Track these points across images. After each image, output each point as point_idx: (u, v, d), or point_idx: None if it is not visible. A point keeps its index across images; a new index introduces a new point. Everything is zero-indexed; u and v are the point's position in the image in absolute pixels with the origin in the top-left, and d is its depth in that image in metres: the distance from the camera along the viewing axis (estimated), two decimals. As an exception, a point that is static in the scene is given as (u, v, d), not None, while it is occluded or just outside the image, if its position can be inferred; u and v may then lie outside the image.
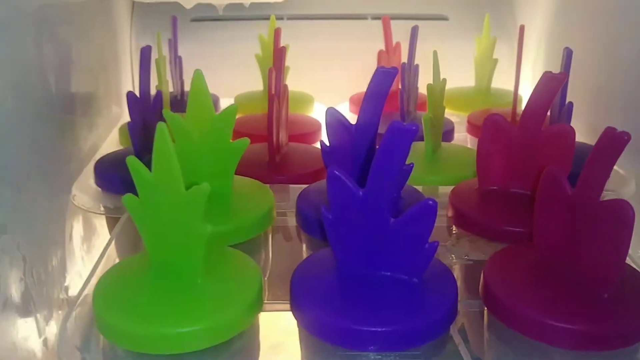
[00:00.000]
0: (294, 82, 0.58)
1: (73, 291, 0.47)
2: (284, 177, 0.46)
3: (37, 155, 0.43)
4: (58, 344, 0.31)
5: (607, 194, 0.45)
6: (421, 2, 0.76)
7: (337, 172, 0.31)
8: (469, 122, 0.58)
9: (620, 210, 0.29)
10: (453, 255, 0.38)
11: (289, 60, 0.55)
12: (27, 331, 0.38)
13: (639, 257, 0.37)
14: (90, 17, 0.60)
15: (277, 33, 0.52)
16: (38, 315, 0.40)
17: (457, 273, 0.38)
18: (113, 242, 0.41)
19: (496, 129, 0.40)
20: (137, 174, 0.31)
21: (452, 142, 0.57)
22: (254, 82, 0.68)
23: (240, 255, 0.34)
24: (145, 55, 0.47)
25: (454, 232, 0.40)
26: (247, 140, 0.39)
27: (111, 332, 0.30)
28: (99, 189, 0.47)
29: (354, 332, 0.29)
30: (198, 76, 0.39)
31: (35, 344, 0.39)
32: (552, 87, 0.38)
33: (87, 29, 0.58)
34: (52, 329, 0.42)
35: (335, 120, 0.39)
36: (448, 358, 0.31)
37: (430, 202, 0.30)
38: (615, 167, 0.47)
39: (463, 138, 0.58)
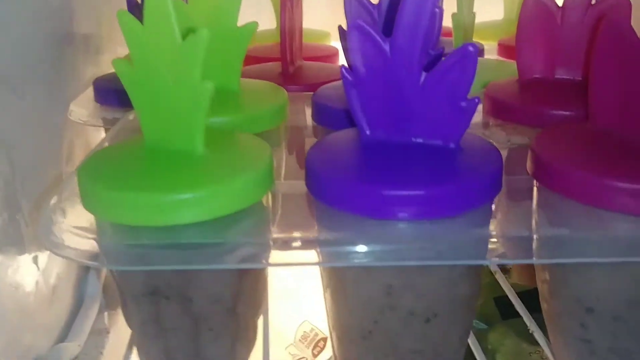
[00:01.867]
0: (309, 22, 0.55)
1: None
2: (298, 86, 0.42)
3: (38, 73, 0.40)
4: (40, 231, 0.26)
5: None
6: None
7: (360, 23, 0.27)
8: (500, 45, 0.54)
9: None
10: (492, 141, 0.33)
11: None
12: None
13: None
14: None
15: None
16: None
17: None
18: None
19: (538, 10, 0.35)
20: (127, 28, 0.27)
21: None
22: (268, 24, 0.64)
23: (248, 136, 0.30)
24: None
25: (491, 124, 0.36)
26: (254, 23, 0.35)
27: (97, 204, 0.26)
28: (97, 104, 0.44)
29: (380, 198, 0.24)
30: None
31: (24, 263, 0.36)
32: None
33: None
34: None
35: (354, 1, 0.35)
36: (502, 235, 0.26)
37: (470, 47, 0.25)
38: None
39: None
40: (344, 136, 0.29)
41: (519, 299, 0.41)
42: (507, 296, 0.43)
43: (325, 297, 0.31)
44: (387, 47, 0.26)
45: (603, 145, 0.28)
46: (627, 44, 0.27)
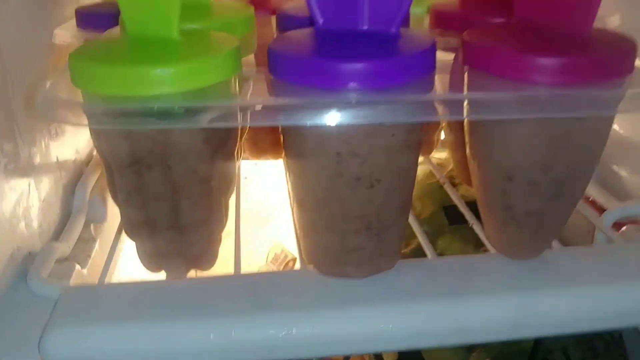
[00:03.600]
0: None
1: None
2: (266, 10, 0.46)
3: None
4: (37, 104, 0.31)
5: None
6: None
7: None
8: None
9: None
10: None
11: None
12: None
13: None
14: None
15: None
16: (21, 140, 0.40)
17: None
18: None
19: None
20: None
21: None
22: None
23: (218, 32, 0.34)
24: None
25: (436, 32, 0.40)
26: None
27: (85, 78, 0.30)
28: (80, 29, 0.47)
29: (332, 70, 0.29)
30: None
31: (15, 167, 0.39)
32: None
33: None
34: (34, 159, 0.42)
35: None
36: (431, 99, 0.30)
37: (406, -57, 0.30)
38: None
39: None
40: (302, 31, 0.34)
41: (465, 206, 0.45)
42: (455, 206, 0.48)
43: (287, 179, 0.36)
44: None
45: (520, 33, 0.32)
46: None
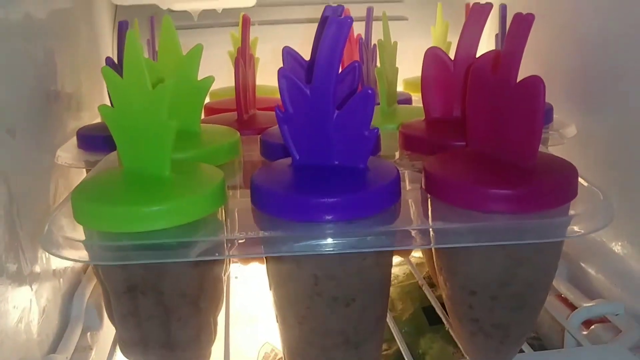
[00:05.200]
0: (264, 79, 0.63)
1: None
2: (251, 130, 0.50)
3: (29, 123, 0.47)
4: (41, 241, 0.34)
5: (552, 134, 0.50)
6: (382, 6, 0.82)
7: (288, 73, 0.35)
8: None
9: (533, 85, 0.33)
10: (401, 168, 0.41)
11: (260, 60, 0.60)
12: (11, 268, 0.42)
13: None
14: (75, 22, 0.65)
15: (245, 19, 0.57)
16: (25, 261, 0.43)
17: (405, 181, 0.41)
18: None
19: (435, 60, 0.44)
20: (110, 80, 0.35)
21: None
22: (227, 82, 0.72)
23: (207, 165, 0.38)
24: (122, 28, 0.52)
25: (404, 154, 0.44)
26: (212, 77, 0.44)
27: (86, 216, 0.33)
28: (81, 150, 0.51)
29: (306, 205, 0.32)
30: (167, 20, 0.43)
31: (19, 283, 0.42)
32: (480, 16, 0.42)
33: (71, 33, 0.63)
34: (36, 275, 0.45)
35: (290, 56, 0.43)
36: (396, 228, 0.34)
37: (369, 89, 0.34)
38: (555, 116, 0.52)
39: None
40: (280, 163, 0.37)
41: (441, 309, 0.48)
42: (432, 306, 0.51)
43: (271, 294, 0.39)
44: (307, 91, 0.35)
45: (474, 163, 0.36)
46: (487, 85, 0.36)
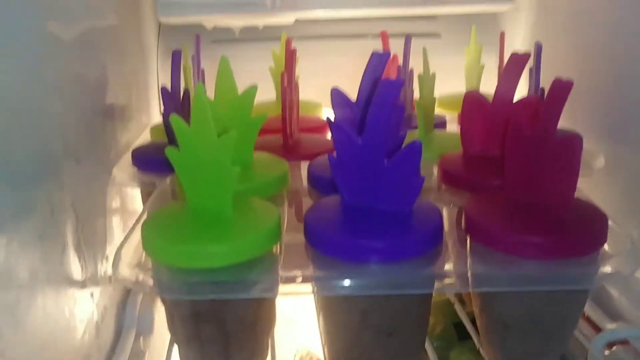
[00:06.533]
0: (303, 94, 0.66)
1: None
2: (297, 156, 0.54)
3: (85, 141, 0.51)
4: (112, 268, 0.38)
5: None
6: (416, 23, 0.84)
7: (340, 124, 0.38)
8: (459, 116, 0.65)
9: (572, 143, 0.36)
10: (442, 204, 0.45)
11: (299, 75, 0.63)
12: (78, 284, 0.45)
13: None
14: (124, 37, 0.69)
15: (288, 42, 0.60)
16: (88, 276, 0.47)
17: (444, 215, 0.44)
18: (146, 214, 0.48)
19: (475, 103, 0.47)
20: (178, 128, 0.38)
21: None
22: (268, 95, 0.76)
23: (261, 201, 0.41)
24: (176, 57, 0.55)
25: (442, 188, 0.47)
26: (265, 114, 0.47)
27: (157, 251, 0.37)
28: (135, 169, 0.55)
29: (356, 247, 0.36)
30: (224, 61, 0.47)
31: (84, 298, 0.46)
32: (519, 64, 0.45)
33: (120, 49, 0.67)
34: (97, 288, 0.49)
35: (339, 97, 0.46)
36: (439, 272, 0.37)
37: (417, 142, 0.37)
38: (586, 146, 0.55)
39: (455, 131, 0.65)
40: (330, 201, 0.41)
41: (471, 324, 0.52)
42: (462, 322, 0.54)
43: (318, 321, 0.42)
44: (360, 141, 0.38)
45: (510, 209, 0.39)
46: (525, 140, 0.39)
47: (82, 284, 0.46)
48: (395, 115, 0.40)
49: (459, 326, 0.59)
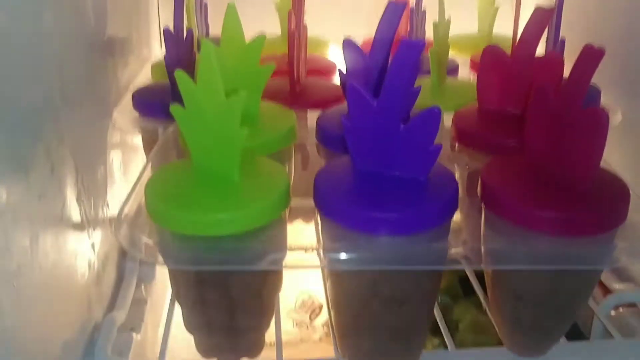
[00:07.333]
0: (310, 29, 0.63)
1: (113, 205, 0.53)
2: (304, 104, 0.51)
3: (84, 83, 0.48)
4: (114, 228, 0.36)
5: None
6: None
7: (356, 85, 0.36)
8: (472, 61, 0.63)
9: (598, 117, 0.34)
10: (455, 165, 0.43)
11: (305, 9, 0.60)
12: (79, 235, 0.44)
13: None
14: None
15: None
16: (89, 226, 0.46)
17: (458, 178, 0.42)
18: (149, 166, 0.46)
19: (493, 57, 0.45)
20: (184, 85, 0.36)
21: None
22: (272, 30, 0.72)
23: (269, 162, 0.40)
24: (178, -4, 0.52)
25: (456, 148, 0.46)
26: (273, 64, 0.44)
27: (161, 218, 0.35)
28: (137, 114, 0.53)
29: (367, 218, 0.34)
30: (231, 8, 0.44)
31: (85, 247, 0.45)
32: (543, 19, 0.42)
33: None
34: (98, 237, 0.48)
35: (352, 49, 0.44)
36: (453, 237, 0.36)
37: (436, 109, 0.35)
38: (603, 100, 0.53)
39: (467, 76, 0.63)
40: (341, 166, 0.39)
41: (477, 280, 0.51)
42: (467, 277, 0.53)
43: (326, 286, 0.41)
44: (375, 104, 0.36)
45: (533, 176, 0.37)
46: (549, 108, 0.36)
47: (83, 236, 0.45)
48: (414, 77, 0.37)
49: (463, 280, 0.58)
